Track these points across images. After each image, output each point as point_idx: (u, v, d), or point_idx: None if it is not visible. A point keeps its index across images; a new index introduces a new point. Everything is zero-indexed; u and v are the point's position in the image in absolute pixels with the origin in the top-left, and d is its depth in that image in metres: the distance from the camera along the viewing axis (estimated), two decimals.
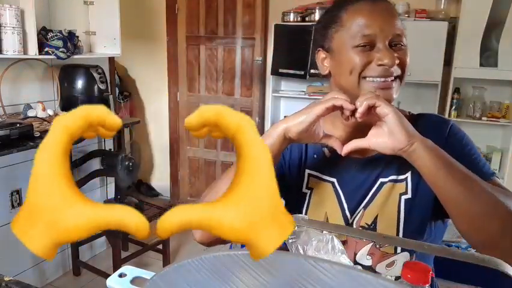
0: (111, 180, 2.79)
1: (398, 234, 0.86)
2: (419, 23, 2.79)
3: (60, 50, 2.23)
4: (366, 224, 0.89)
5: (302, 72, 3.13)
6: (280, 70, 3.24)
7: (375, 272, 0.89)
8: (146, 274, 0.65)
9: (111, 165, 2.48)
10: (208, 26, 3.61)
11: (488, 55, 2.59)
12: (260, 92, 3.57)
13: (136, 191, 4.08)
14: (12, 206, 2.31)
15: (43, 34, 2.23)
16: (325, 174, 0.92)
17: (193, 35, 3.67)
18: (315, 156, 0.94)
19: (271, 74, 3.30)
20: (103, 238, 2.92)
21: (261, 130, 3.63)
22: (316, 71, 3.09)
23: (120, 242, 2.43)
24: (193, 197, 4.02)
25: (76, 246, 2.66)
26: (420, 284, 0.64)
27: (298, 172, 0.95)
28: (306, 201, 0.93)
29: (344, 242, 0.88)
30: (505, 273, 0.55)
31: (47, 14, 2.40)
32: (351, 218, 0.90)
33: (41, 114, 2.20)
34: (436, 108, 2.84)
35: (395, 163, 0.86)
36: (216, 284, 0.46)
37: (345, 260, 1.17)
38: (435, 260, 1.16)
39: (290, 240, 1.34)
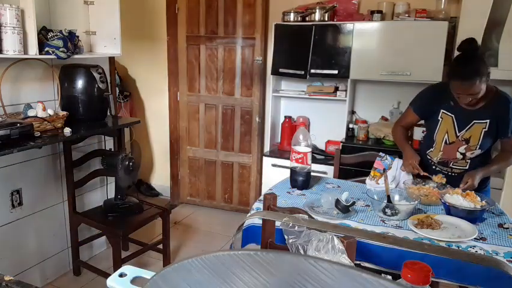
0: (111, 180, 2.79)
1: (478, 142, 1.94)
2: (419, 22, 2.79)
3: (61, 49, 2.23)
4: (464, 138, 1.96)
5: (302, 72, 3.13)
6: (281, 70, 3.24)
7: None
8: (146, 274, 0.65)
9: (111, 165, 2.48)
10: (208, 25, 3.61)
11: (488, 55, 2.59)
12: (260, 91, 3.56)
13: (136, 191, 4.08)
14: (13, 206, 2.31)
15: (43, 34, 2.22)
16: (450, 112, 1.99)
17: (193, 34, 3.67)
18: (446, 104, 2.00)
19: (272, 73, 3.30)
20: (103, 238, 2.92)
21: (261, 130, 3.63)
22: (317, 71, 3.10)
23: (120, 242, 2.43)
24: (193, 196, 4.02)
25: (76, 246, 2.67)
26: (420, 284, 0.65)
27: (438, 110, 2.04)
28: (439, 124, 2.02)
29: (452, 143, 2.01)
30: (505, 273, 0.55)
31: (47, 13, 2.40)
32: (458, 134, 1.97)
33: (41, 114, 2.20)
34: None
35: (482, 116, 1.91)
36: (216, 284, 0.46)
37: (345, 259, 1.17)
38: (435, 260, 1.16)
39: (290, 241, 1.34)
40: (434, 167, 2.10)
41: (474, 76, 1.77)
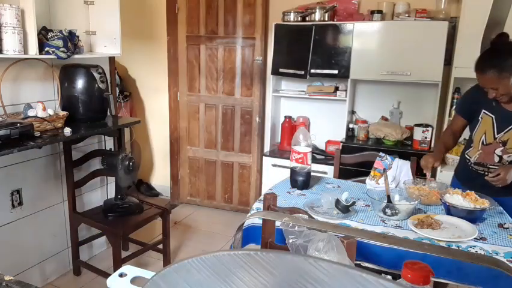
0: (111, 180, 2.79)
1: None
2: (419, 22, 2.79)
3: (61, 49, 2.23)
4: (502, 140, 1.86)
5: (302, 72, 3.13)
6: (281, 70, 3.24)
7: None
8: (146, 274, 0.65)
9: (111, 165, 2.48)
10: (208, 25, 3.61)
11: None
12: (260, 91, 3.56)
13: (136, 191, 4.08)
14: (13, 206, 2.31)
15: (43, 34, 2.22)
16: (490, 113, 1.90)
17: (193, 34, 3.67)
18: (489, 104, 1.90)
19: (272, 73, 3.30)
20: (103, 238, 2.92)
21: (261, 130, 3.63)
22: (317, 71, 3.10)
23: (120, 242, 2.43)
24: (193, 196, 4.02)
25: (76, 246, 2.67)
26: (420, 284, 0.64)
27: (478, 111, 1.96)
28: (478, 124, 1.94)
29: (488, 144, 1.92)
30: (505, 273, 0.55)
31: (47, 13, 2.40)
32: (496, 135, 1.88)
33: (41, 114, 2.20)
34: (436, 108, 2.84)
35: None
36: (216, 284, 0.46)
37: (345, 259, 1.17)
38: (435, 260, 1.16)
39: (290, 241, 1.34)
40: (470, 167, 2.01)
41: (488, 69, 1.73)
